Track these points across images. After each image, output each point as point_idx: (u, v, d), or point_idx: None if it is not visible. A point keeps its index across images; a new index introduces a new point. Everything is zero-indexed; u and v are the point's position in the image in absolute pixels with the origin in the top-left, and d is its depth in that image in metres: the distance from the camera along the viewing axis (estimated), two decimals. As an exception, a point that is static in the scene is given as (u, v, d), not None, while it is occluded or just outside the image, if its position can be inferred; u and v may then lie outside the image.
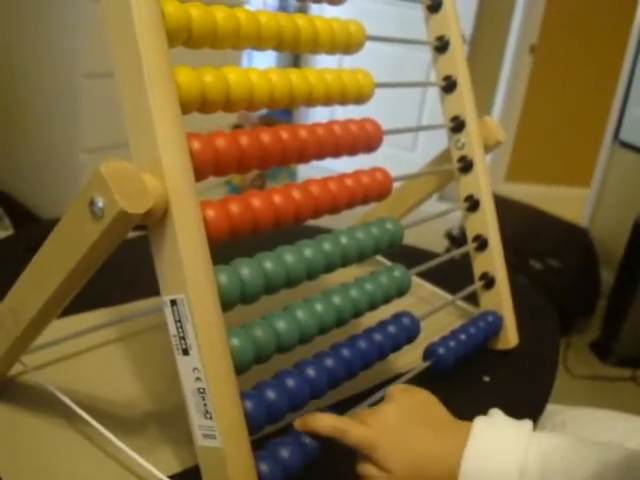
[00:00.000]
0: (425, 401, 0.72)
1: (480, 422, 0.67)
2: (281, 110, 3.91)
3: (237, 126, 3.11)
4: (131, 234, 0.60)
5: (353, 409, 0.75)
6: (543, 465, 0.62)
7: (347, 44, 0.82)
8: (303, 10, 3.91)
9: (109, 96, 2.05)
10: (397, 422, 0.68)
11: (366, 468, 0.67)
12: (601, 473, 0.60)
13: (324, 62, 3.83)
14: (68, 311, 0.72)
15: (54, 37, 2.12)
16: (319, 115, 3.95)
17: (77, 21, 2.04)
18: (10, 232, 2.04)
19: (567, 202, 3.72)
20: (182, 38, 0.63)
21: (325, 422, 0.68)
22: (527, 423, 0.67)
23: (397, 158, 3.92)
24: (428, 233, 2.01)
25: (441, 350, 0.89)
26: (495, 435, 0.65)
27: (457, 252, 1.04)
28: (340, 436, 0.67)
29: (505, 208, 2.91)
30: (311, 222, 0.78)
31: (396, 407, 0.69)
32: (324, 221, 0.84)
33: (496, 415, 0.69)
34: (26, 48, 2.21)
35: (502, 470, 0.62)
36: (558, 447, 0.63)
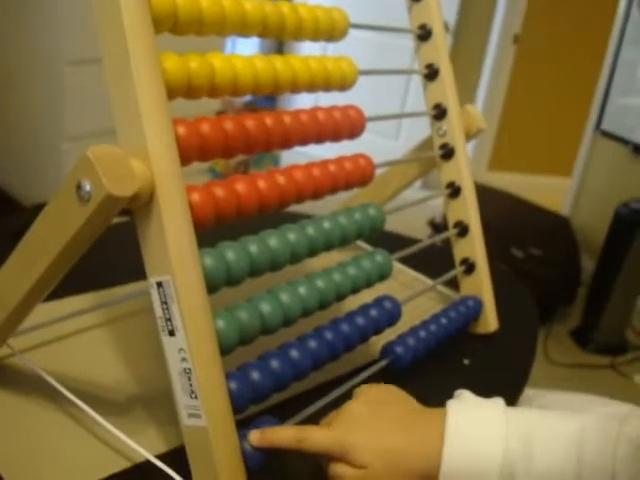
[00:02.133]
0: (392, 395, 0.69)
1: (450, 406, 0.65)
2: (265, 97, 3.91)
3: (221, 112, 3.11)
4: (116, 219, 0.61)
5: (334, 391, 0.76)
6: (524, 444, 0.61)
7: (331, 32, 0.83)
8: None
9: (92, 84, 2.05)
10: (365, 416, 0.65)
11: (339, 468, 0.63)
12: (578, 438, 0.60)
13: (308, 49, 3.83)
14: (55, 294, 0.72)
15: (37, 24, 2.11)
16: (303, 102, 3.95)
17: (59, 8, 2.03)
18: (-7, 219, 2.04)
19: (549, 191, 3.76)
20: (168, 25, 0.64)
21: (285, 434, 0.64)
22: (498, 401, 0.65)
23: (380, 146, 3.93)
24: (411, 221, 2.02)
25: (398, 349, 0.86)
26: (471, 419, 0.63)
27: (438, 238, 1.06)
28: (304, 445, 0.63)
29: (487, 197, 2.93)
30: (295, 208, 0.80)
31: (362, 402, 0.67)
32: (308, 207, 0.85)
33: (467, 398, 0.67)
34: (8, 36, 2.20)
35: (485, 456, 0.61)
36: (533, 419, 0.63)
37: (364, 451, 0.62)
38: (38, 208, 0.63)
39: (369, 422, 0.64)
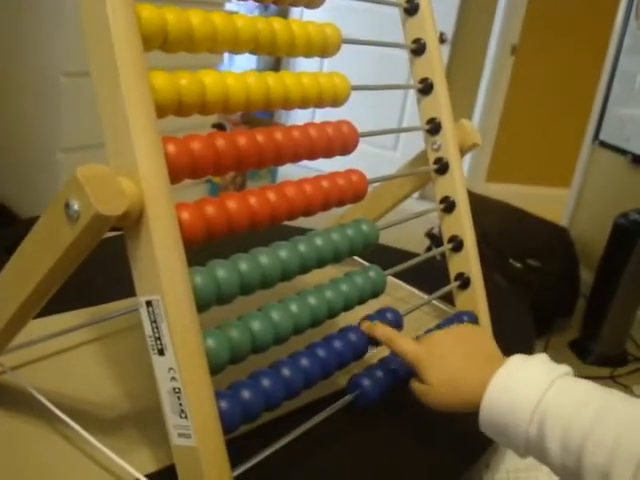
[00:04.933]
0: (478, 335, 0.80)
1: (518, 355, 0.71)
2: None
3: (217, 124, 3.11)
4: (108, 233, 0.60)
5: (329, 408, 0.76)
6: (563, 397, 0.64)
7: (323, 47, 0.83)
8: (283, 12, 3.91)
9: (88, 95, 2.04)
10: (443, 344, 0.77)
11: (413, 383, 0.77)
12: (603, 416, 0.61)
13: (305, 63, 3.83)
14: (46, 311, 0.72)
15: (33, 36, 2.11)
16: (300, 113, 3.96)
17: (56, 19, 2.04)
18: (-11, 230, 2.03)
19: (547, 202, 3.75)
20: (158, 42, 0.64)
21: (382, 330, 0.81)
22: (565, 367, 0.69)
23: (378, 157, 3.94)
24: (409, 232, 2.02)
25: (365, 382, 0.81)
26: (528, 367, 0.68)
27: (433, 253, 1.06)
28: (391, 345, 0.79)
29: (486, 208, 2.93)
30: (288, 222, 0.79)
31: (448, 333, 0.80)
32: (302, 221, 0.84)
33: (538, 355, 0.71)
34: (5, 46, 2.20)
35: (523, 396, 0.65)
36: (583, 385, 0.66)
37: (431, 371, 0.74)
38: (32, 221, 0.62)
39: (444, 349, 0.76)
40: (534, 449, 0.65)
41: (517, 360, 0.70)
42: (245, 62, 4.17)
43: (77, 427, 0.70)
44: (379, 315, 0.84)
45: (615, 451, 0.58)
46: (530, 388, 0.65)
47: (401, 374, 0.85)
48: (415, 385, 0.76)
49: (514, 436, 0.66)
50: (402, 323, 0.87)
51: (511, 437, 0.66)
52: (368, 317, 0.84)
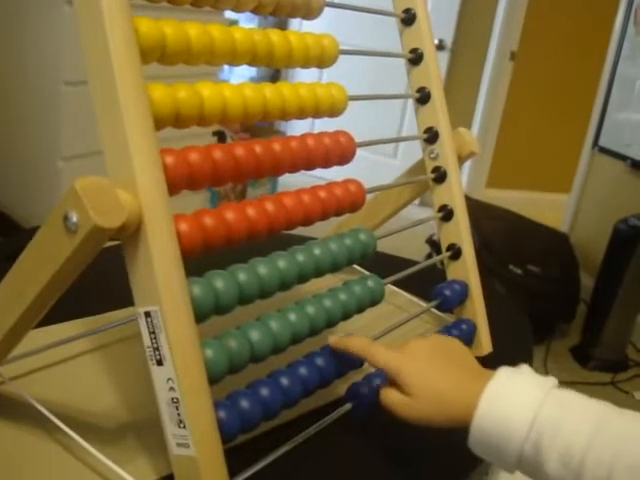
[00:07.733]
0: (459, 348, 0.76)
1: (504, 369, 0.68)
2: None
3: (218, 132, 3.12)
4: (107, 242, 0.60)
5: (327, 417, 0.76)
6: (557, 413, 0.62)
7: (321, 58, 0.83)
8: (282, 23, 3.91)
9: (89, 104, 2.04)
10: (427, 354, 0.72)
11: (389, 393, 0.71)
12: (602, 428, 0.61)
13: (304, 72, 3.83)
14: (44, 321, 0.72)
15: (34, 44, 2.12)
16: (300, 121, 3.96)
17: (57, 28, 2.04)
18: (-10, 238, 2.04)
19: (548, 208, 3.76)
20: (156, 55, 0.64)
21: (357, 343, 0.76)
22: (552, 379, 0.67)
23: (378, 164, 3.94)
24: (410, 238, 2.02)
25: (364, 390, 0.80)
26: (517, 382, 0.66)
27: (432, 260, 1.06)
28: (367, 355, 0.74)
29: (486, 214, 2.93)
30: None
31: (430, 343, 0.75)
32: (299, 228, 0.85)
33: (523, 367, 0.69)
34: (6, 55, 2.21)
35: (516, 413, 0.63)
36: (575, 399, 0.64)
37: (414, 381, 0.70)
38: (33, 231, 0.63)
39: (427, 360, 0.72)
40: (527, 466, 0.64)
41: (505, 374, 0.68)
42: (245, 70, 4.18)
43: (76, 437, 0.70)
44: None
45: (614, 465, 0.58)
46: (522, 404, 0.64)
47: None
48: (391, 395, 0.71)
49: (506, 453, 0.64)
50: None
51: (503, 454, 0.64)
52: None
